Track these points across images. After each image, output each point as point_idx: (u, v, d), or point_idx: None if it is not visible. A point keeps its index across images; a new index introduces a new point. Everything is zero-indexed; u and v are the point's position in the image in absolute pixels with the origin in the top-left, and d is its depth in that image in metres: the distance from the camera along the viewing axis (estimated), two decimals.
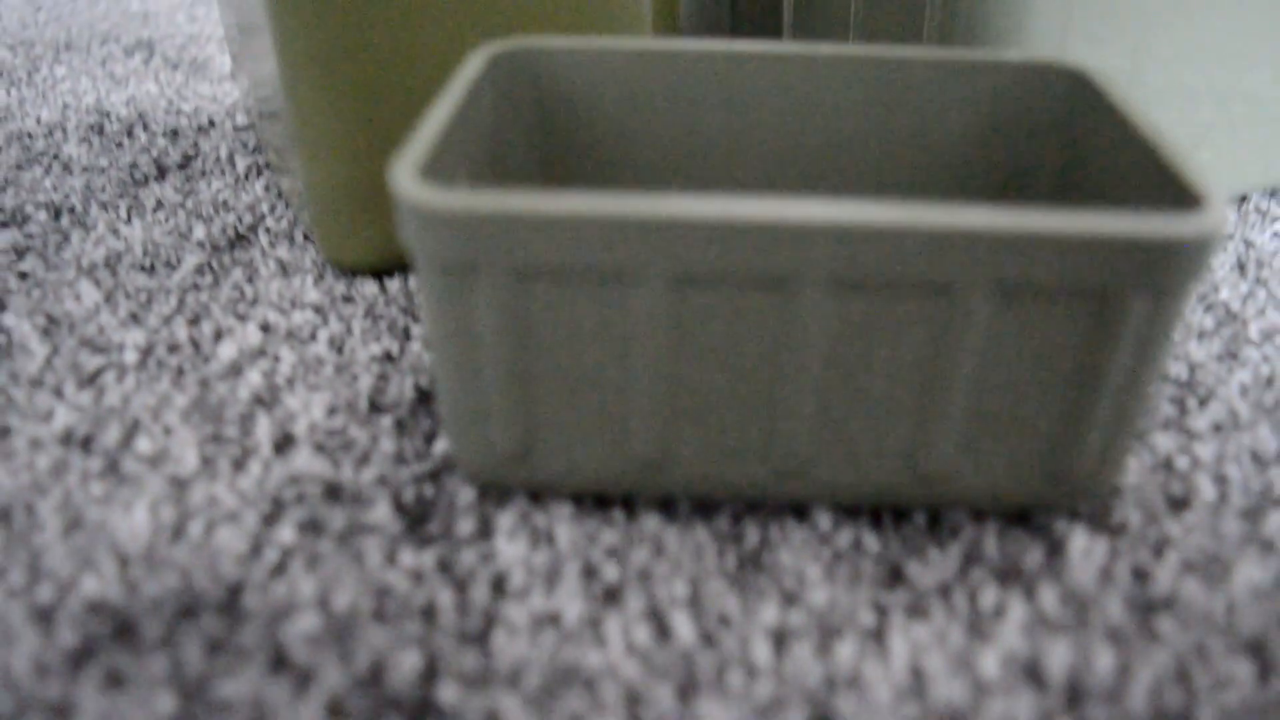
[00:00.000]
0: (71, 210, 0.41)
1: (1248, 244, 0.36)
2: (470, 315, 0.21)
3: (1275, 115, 0.36)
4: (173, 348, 0.31)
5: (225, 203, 0.41)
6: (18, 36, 0.69)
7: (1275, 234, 0.37)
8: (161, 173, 0.44)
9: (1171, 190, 0.21)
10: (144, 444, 0.27)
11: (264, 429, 0.28)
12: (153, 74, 0.59)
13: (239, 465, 0.26)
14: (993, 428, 0.22)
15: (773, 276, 0.19)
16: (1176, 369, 0.29)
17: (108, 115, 0.51)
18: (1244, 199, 0.39)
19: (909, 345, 0.20)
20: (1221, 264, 0.35)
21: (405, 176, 0.20)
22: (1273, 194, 0.39)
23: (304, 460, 0.26)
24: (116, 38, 0.67)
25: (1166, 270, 0.19)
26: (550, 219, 0.19)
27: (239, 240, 0.38)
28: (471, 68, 0.26)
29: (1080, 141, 0.26)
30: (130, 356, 0.31)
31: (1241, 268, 0.34)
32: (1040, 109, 0.27)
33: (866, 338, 0.20)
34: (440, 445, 0.27)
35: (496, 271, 0.20)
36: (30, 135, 0.50)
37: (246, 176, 0.43)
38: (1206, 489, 0.25)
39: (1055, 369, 0.21)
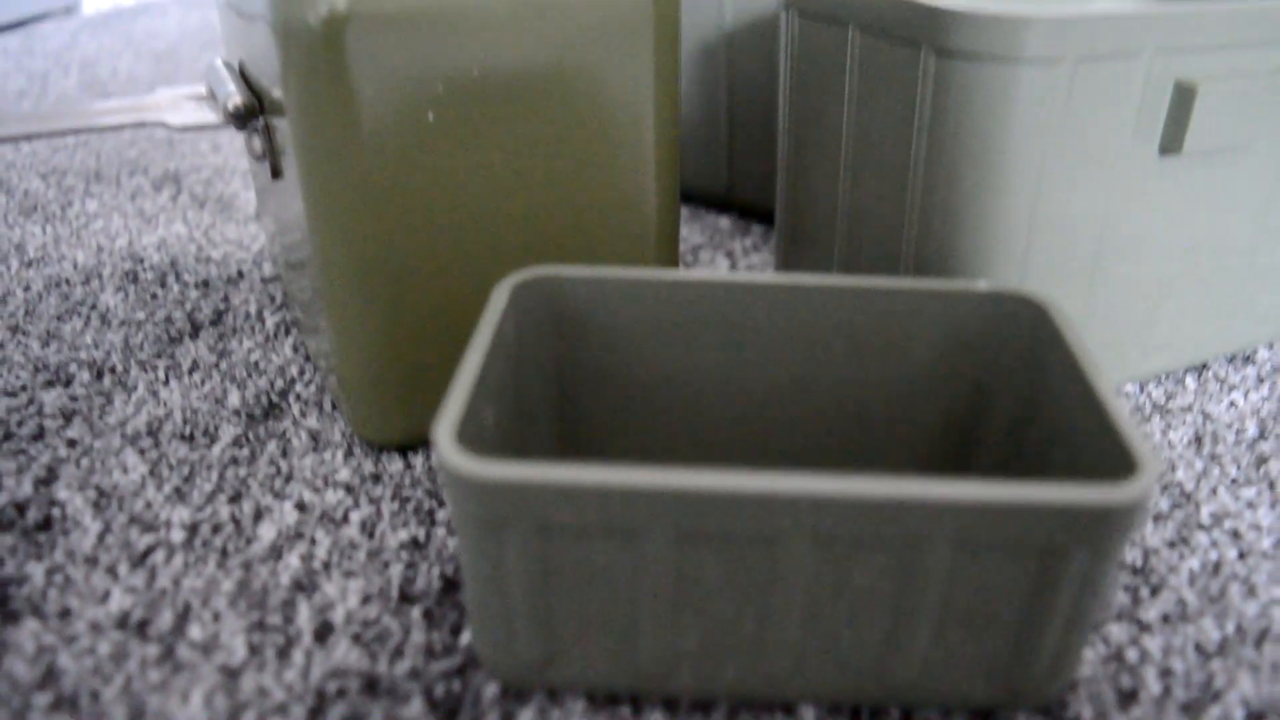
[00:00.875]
0: (112, 370, 0.44)
1: (1205, 416, 0.39)
2: (500, 558, 0.24)
3: (1229, 285, 0.40)
4: (216, 527, 0.34)
5: (257, 364, 0.44)
6: (49, 162, 0.73)
7: (1232, 403, 0.40)
8: (195, 329, 0.47)
9: (1111, 449, 0.24)
10: (196, 630, 0.30)
11: (305, 617, 0.31)
12: (181, 212, 0.62)
13: (284, 655, 0.29)
14: (955, 645, 0.25)
15: (761, 535, 0.22)
16: (1132, 555, 0.33)
17: (141, 262, 0.55)
18: (1204, 366, 0.42)
19: (880, 583, 0.23)
20: (1180, 438, 0.38)
21: (446, 443, 0.23)
22: (1232, 359, 0.43)
23: (343, 652, 0.29)
24: (145, 169, 0.70)
25: (1102, 530, 0.22)
26: (568, 488, 0.22)
27: (271, 409, 0.41)
28: (498, 300, 0.29)
29: (1038, 365, 0.29)
30: (177, 535, 0.34)
31: (1199, 442, 0.38)
32: (1003, 334, 0.30)
33: (843, 577, 0.23)
34: (466, 637, 0.30)
35: (523, 527, 0.23)
36: (68, 282, 0.53)
37: (275, 335, 0.47)
38: (1153, 683, 0.28)
39: (1008, 602, 0.24)
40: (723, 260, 0.53)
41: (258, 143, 0.37)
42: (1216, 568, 0.32)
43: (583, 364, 0.32)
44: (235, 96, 0.36)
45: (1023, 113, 0.31)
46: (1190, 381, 0.41)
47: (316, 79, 0.31)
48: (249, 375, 0.43)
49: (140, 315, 0.49)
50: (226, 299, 0.50)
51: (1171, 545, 0.33)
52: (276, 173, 0.37)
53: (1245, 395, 0.40)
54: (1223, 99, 0.33)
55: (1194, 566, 0.32)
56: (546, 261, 0.36)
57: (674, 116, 0.37)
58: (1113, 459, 0.24)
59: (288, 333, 0.47)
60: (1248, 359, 0.43)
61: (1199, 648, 0.29)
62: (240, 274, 0.53)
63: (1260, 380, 0.41)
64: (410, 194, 0.33)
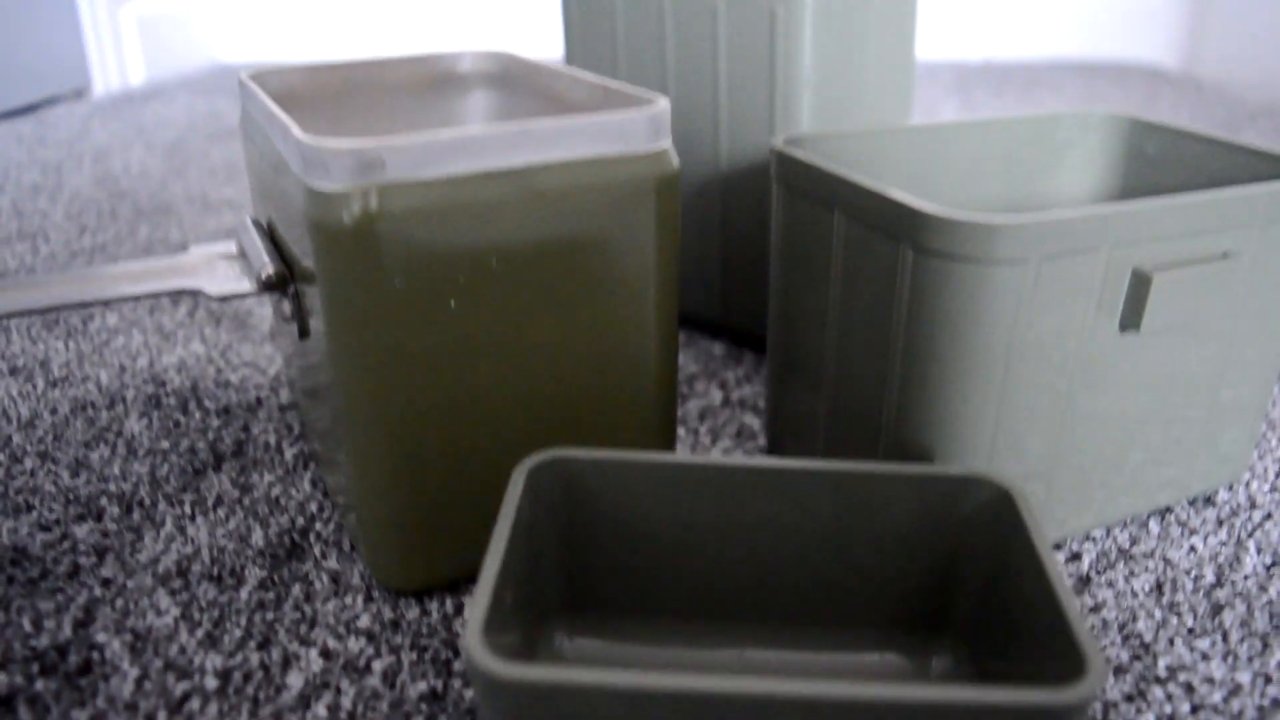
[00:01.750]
0: (141, 504, 0.47)
1: (1166, 562, 0.42)
2: None
3: (1190, 430, 0.43)
4: (247, 675, 0.37)
5: (278, 500, 0.47)
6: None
7: (1192, 548, 0.43)
8: (218, 461, 0.50)
9: (1063, 647, 0.27)
10: None
11: None
12: (198, 329, 0.65)
13: None
14: None
15: None
16: (1092, 709, 0.35)
17: (163, 385, 0.58)
18: (1168, 510, 0.45)
19: None
20: (1142, 585, 0.41)
21: (476, 646, 0.25)
22: (1193, 502, 0.46)
23: None
24: None
25: None
26: (587, 689, 0.25)
27: (294, 550, 0.43)
28: (515, 484, 0.32)
29: (1003, 547, 0.32)
30: (211, 682, 0.36)
31: (1159, 589, 0.41)
32: (970, 516, 0.33)
33: None
34: None
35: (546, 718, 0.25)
36: (94, 405, 0.55)
37: (294, 468, 0.49)
38: None
39: None
40: (716, 392, 0.56)
41: (287, 306, 0.40)
42: None
43: (591, 533, 0.35)
44: (268, 267, 0.40)
45: (993, 307, 0.35)
46: (1154, 525, 0.44)
47: (348, 270, 0.34)
48: (270, 512, 0.46)
49: (165, 444, 0.51)
50: (246, 428, 0.53)
51: (1129, 699, 0.36)
52: (304, 334, 0.40)
53: (1205, 540, 0.43)
54: (1176, 285, 0.37)
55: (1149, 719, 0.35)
56: (555, 423, 0.39)
57: (674, 289, 0.40)
58: (1064, 656, 0.27)
59: (306, 466, 0.50)
60: (1209, 500, 0.46)
61: None
62: (259, 401, 0.56)
63: (1219, 523, 0.45)
64: (433, 366, 0.36)
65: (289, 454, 0.51)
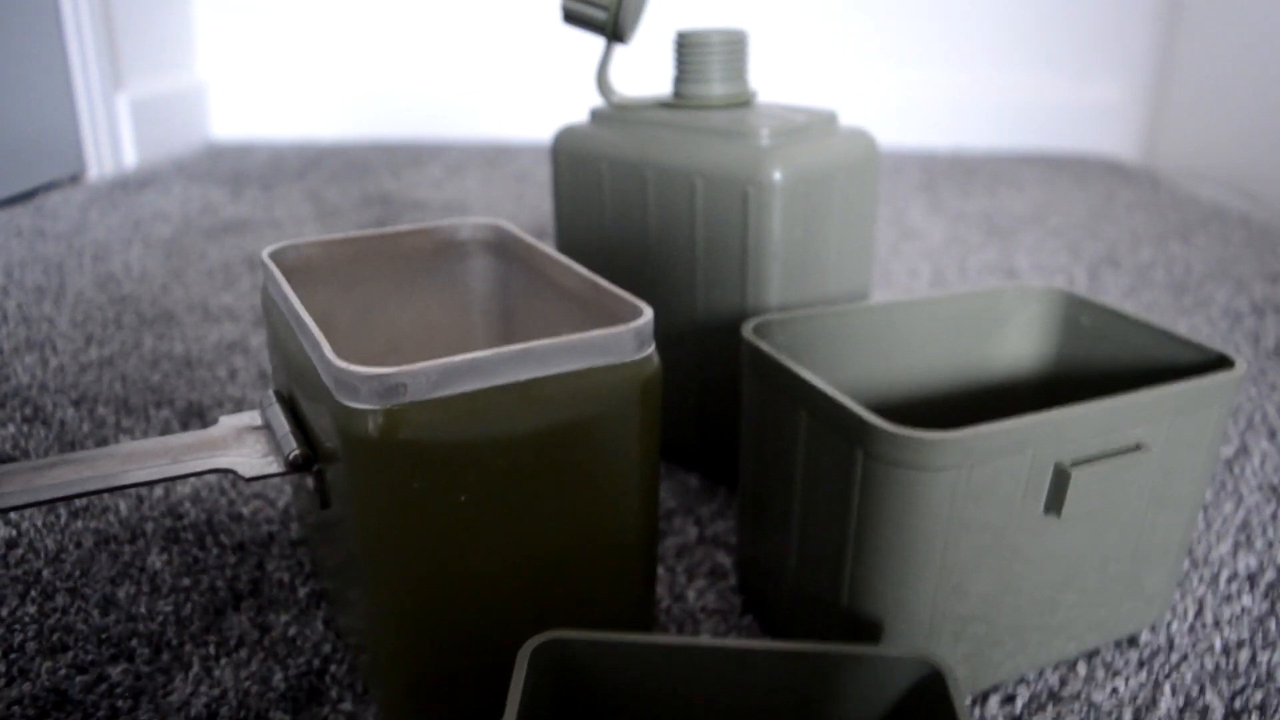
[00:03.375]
0: (169, 644, 0.51)
1: (1091, 705, 0.48)
2: None
3: (1117, 579, 0.48)
4: None
5: (294, 640, 0.51)
6: (79, 384, 0.80)
7: (1114, 690, 0.48)
8: (237, 600, 0.54)
9: None
10: None
11: None
12: None
13: None
14: None
15: None
16: None
17: (180, 518, 0.62)
18: (1094, 653, 0.51)
19: None
20: None
21: None
22: (1119, 644, 0.51)
23: None
24: (170, 399, 0.78)
25: None
26: None
27: (313, 694, 0.48)
28: (521, 665, 0.37)
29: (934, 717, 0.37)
30: None
31: None
32: (909, 689, 0.39)
33: None
34: None
35: None
36: (116, 539, 0.60)
37: (307, 608, 0.54)
38: None
39: None
40: (692, 529, 0.62)
41: (310, 482, 0.45)
42: None
43: (585, 704, 0.40)
44: (295, 451, 0.44)
45: (932, 504, 0.40)
46: (1081, 667, 0.50)
47: (373, 472, 0.39)
48: (289, 654, 0.50)
49: (186, 581, 0.56)
50: (261, 565, 0.57)
51: None
52: (326, 506, 0.45)
53: (1126, 681, 0.49)
54: (1093, 478, 0.43)
55: None
56: (550, 590, 0.44)
57: (655, 473, 0.45)
58: None
59: (318, 605, 0.54)
60: (1132, 642, 0.52)
61: None
62: (270, 536, 0.60)
63: (1140, 665, 0.50)
64: (444, 547, 0.41)
65: (301, 593, 0.55)
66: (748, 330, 0.50)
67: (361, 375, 0.38)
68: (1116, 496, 0.44)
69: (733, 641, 0.39)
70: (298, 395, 0.47)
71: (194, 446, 0.47)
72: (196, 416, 0.75)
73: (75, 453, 0.46)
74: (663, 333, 0.65)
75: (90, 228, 1.25)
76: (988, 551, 0.43)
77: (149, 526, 0.61)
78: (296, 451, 0.45)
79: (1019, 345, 0.58)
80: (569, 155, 0.66)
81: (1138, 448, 0.44)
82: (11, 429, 0.73)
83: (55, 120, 1.44)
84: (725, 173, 0.58)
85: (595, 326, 0.49)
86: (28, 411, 0.75)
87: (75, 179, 1.51)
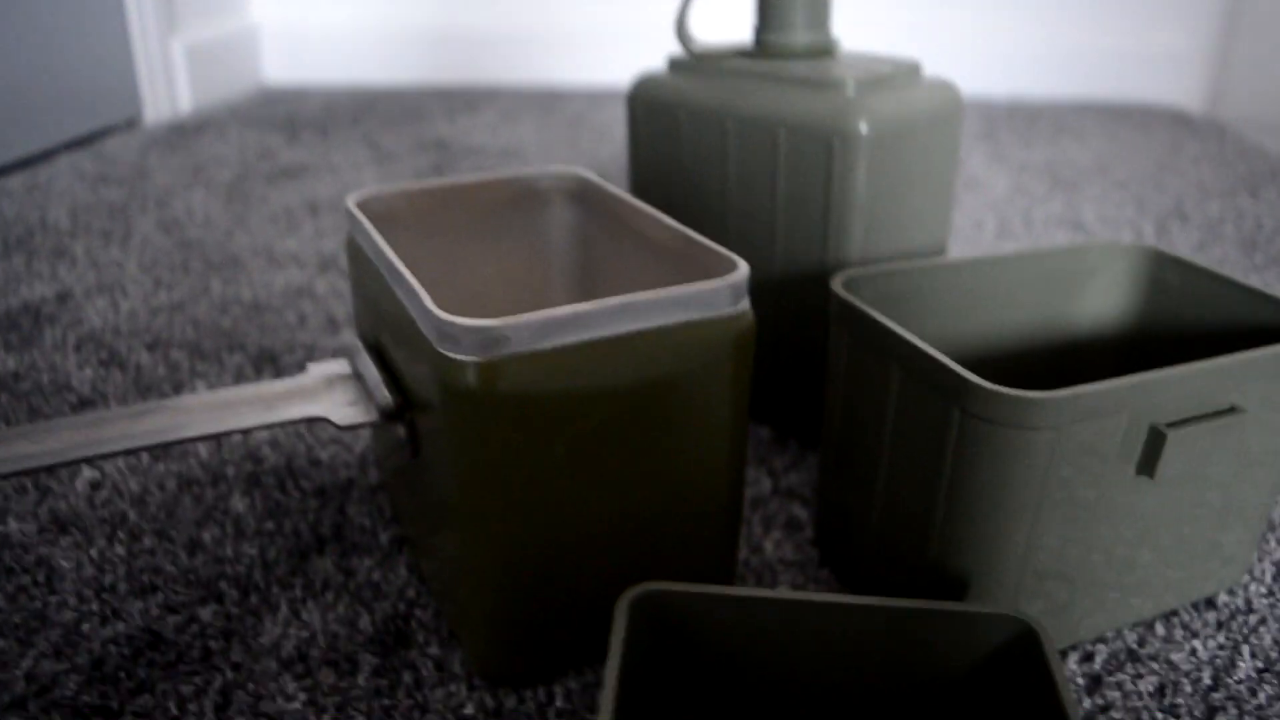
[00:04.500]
0: (256, 587, 0.52)
1: (1170, 664, 0.47)
2: None
3: (1198, 536, 0.48)
4: None
5: (378, 585, 0.52)
6: (151, 328, 0.81)
7: (1193, 651, 0.48)
8: (320, 544, 0.55)
9: None
10: None
11: None
12: None
13: None
14: None
15: None
16: None
17: (260, 462, 0.63)
18: (1173, 613, 0.51)
19: None
20: (1146, 687, 0.46)
21: None
22: (1196, 605, 0.51)
23: None
24: (242, 344, 0.79)
25: None
26: None
27: (400, 637, 0.49)
28: (619, 619, 0.38)
29: (1025, 685, 0.37)
30: None
31: (1161, 692, 0.46)
32: (998, 652, 0.39)
33: None
34: None
35: None
36: (199, 483, 0.61)
37: (389, 553, 0.55)
38: None
39: None
40: (766, 480, 0.62)
41: (402, 430, 0.46)
42: None
43: (681, 656, 0.40)
44: (387, 399, 0.45)
45: (1028, 463, 0.40)
46: (1160, 628, 0.50)
47: (472, 424, 0.39)
48: (374, 598, 0.51)
49: (270, 525, 0.57)
50: (342, 510, 0.58)
51: None
52: (417, 455, 0.46)
53: (1205, 643, 0.49)
54: (1188, 439, 0.42)
55: None
56: (641, 539, 0.45)
57: (744, 425, 0.45)
58: None
59: (400, 550, 0.55)
60: (1210, 604, 0.51)
61: None
62: (350, 481, 0.61)
63: (1219, 626, 0.50)
64: (540, 498, 0.42)
65: (383, 538, 0.56)
66: (837, 284, 0.49)
67: (464, 327, 0.38)
68: (1209, 459, 0.44)
69: (826, 596, 0.39)
70: (387, 343, 0.47)
71: (286, 395, 0.48)
72: (270, 361, 0.76)
73: (171, 399, 0.46)
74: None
75: (151, 172, 1.26)
76: (1078, 510, 0.43)
77: (230, 471, 0.62)
78: (389, 402, 0.45)
79: (1104, 302, 0.57)
80: (646, 104, 0.65)
81: (1232, 410, 0.43)
82: (89, 372, 0.74)
83: (112, 65, 1.45)
84: (810, 124, 0.57)
85: (681, 279, 0.49)
86: (104, 355, 0.77)
87: (131, 123, 1.52)
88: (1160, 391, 0.41)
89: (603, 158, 1.33)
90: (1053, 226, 1.07)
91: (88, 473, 0.62)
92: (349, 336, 0.81)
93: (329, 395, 0.48)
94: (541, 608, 0.45)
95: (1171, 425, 0.42)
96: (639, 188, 0.69)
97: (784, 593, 0.39)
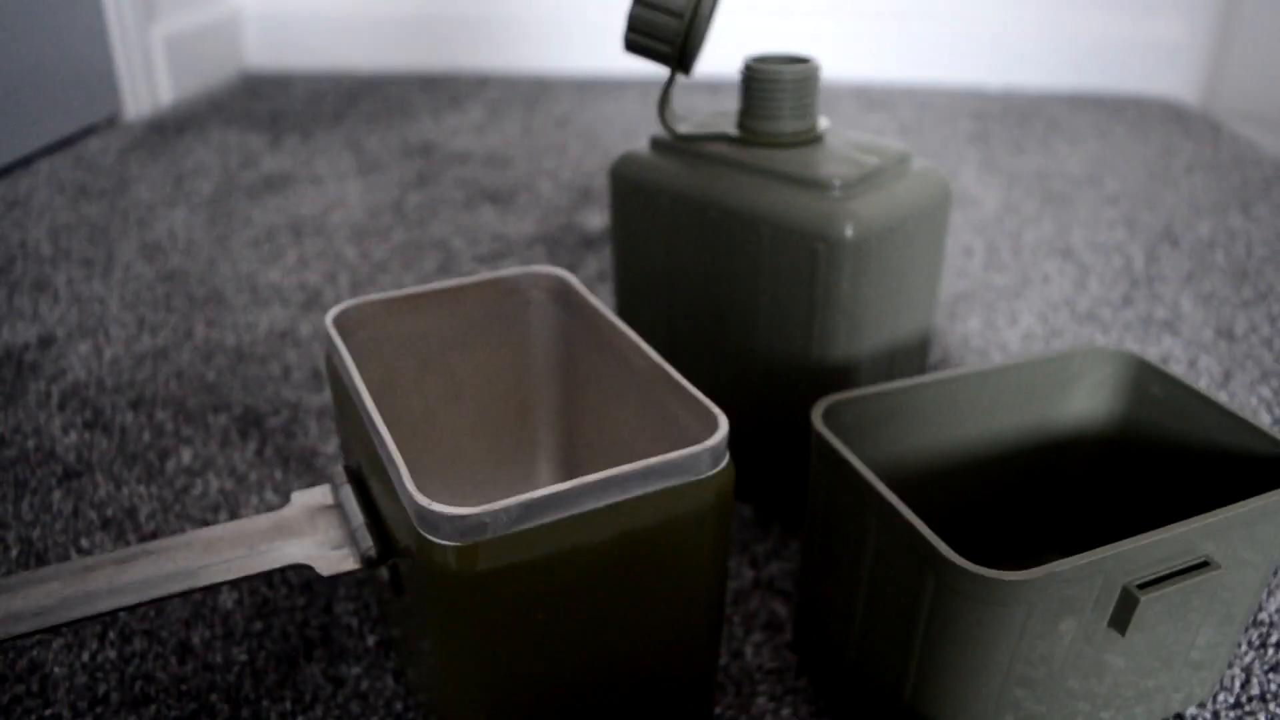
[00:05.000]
0: (247, 700, 0.53)
1: None
2: None
3: (1166, 680, 0.49)
4: None
5: (366, 697, 0.53)
6: (135, 385, 0.81)
7: None
8: (308, 649, 0.56)
9: None
10: None
11: None
12: (269, 472, 0.71)
13: None
14: None
15: None
16: None
17: None
18: None
19: None
20: None
21: None
22: None
23: None
24: (225, 402, 0.79)
25: None
26: None
27: None
28: None
29: None
30: None
31: None
32: None
33: None
34: None
35: None
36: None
37: (377, 658, 0.56)
38: None
39: None
40: (748, 571, 0.63)
41: (385, 574, 0.46)
42: None
43: None
44: (370, 547, 0.45)
45: (1003, 633, 0.41)
46: None
47: (452, 599, 0.40)
48: (362, 713, 0.52)
49: (258, 625, 0.58)
50: (329, 609, 0.59)
51: None
52: (399, 594, 0.46)
53: None
54: (1160, 599, 0.43)
55: None
56: (618, 683, 0.46)
57: (724, 574, 0.46)
58: None
59: (386, 655, 0.56)
60: (1179, 718, 0.53)
61: None
62: (335, 576, 0.62)
63: None
64: (520, 658, 0.42)
65: (370, 641, 0.57)
66: (817, 417, 0.49)
67: (443, 515, 0.38)
68: (1182, 612, 0.45)
69: None
70: (369, 481, 0.48)
71: (269, 532, 0.48)
72: (254, 425, 0.76)
73: (154, 542, 0.47)
74: (726, 368, 0.65)
75: (131, 184, 1.24)
76: (1050, 661, 0.44)
77: None
78: (373, 551, 0.46)
79: (1087, 405, 0.58)
80: (628, 184, 0.65)
81: (1206, 564, 0.44)
82: (74, 436, 0.74)
83: (90, 60, 1.42)
84: (794, 224, 0.56)
85: (659, 413, 0.49)
86: (88, 416, 0.77)
87: (112, 121, 1.49)
88: (1134, 558, 0.42)
89: (589, 168, 1.31)
90: (1042, 256, 1.07)
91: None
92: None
93: (312, 532, 0.48)
94: None
95: (1143, 586, 0.43)
96: (622, 261, 0.68)
97: None
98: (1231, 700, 0.54)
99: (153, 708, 0.53)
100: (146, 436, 0.74)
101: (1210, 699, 0.54)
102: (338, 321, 0.53)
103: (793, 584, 0.61)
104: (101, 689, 0.54)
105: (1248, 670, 0.55)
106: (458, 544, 0.39)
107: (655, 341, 0.69)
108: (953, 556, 0.40)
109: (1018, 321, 0.92)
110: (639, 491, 0.41)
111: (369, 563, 0.46)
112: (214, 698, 0.53)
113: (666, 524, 0.42)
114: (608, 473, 0.40)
